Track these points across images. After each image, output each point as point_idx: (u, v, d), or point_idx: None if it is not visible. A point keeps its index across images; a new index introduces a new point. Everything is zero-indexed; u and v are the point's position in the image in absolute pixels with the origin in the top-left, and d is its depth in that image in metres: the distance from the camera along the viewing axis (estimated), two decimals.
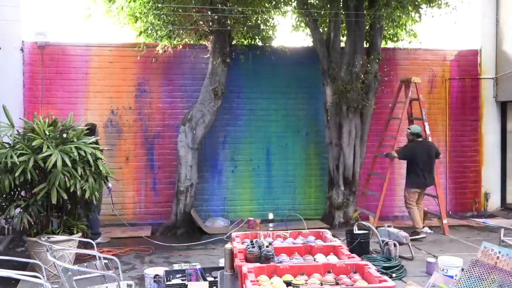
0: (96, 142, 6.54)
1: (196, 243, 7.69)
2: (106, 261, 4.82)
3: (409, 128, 8.25)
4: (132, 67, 9.12)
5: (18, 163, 5.59)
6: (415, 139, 8.08)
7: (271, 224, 9.01)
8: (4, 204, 6.06)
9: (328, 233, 4.16)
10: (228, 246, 3.91)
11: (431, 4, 8.63)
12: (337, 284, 3.10)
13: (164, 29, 8.25)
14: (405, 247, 6.67)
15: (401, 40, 9.89)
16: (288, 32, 9.53)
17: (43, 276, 3.64)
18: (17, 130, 6.12)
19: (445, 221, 8.25)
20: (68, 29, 9.44)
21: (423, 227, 8.09)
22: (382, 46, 9.37)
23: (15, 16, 8.73)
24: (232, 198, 9.47)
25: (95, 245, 5.08)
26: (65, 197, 5.88)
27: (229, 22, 8.32)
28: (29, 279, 3.34)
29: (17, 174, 5.57)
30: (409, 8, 8.65)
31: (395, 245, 6.40)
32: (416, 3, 8.63)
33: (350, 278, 3.18)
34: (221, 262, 5.36)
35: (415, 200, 8.02)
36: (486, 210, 9.97)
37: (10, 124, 6.06)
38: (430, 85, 10.08)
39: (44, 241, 4.99)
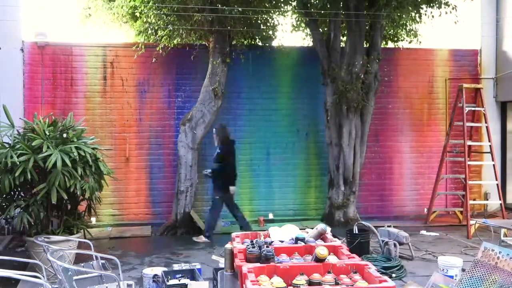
0: None
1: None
2: (103, 261, 4.81)
3: None
4: (132, 67, 9.12)
5: (18, 163, 5.60)
6: None
7: (270, 224, 9.00)
8: (4, 204, 6.06)
9: (328, 233, 4.15)
10: (228, 246, 3.90)
11: (431, 4, 8.63)
12: (337, 284, 3.10)
13: (164, 29, 8.25)
14: (405, 246, 6.67)
15: (401, 40, 9.89)
16: (288, 32, 9.53)
17: (43, 276, 3.64)
18: (17, 130, 6.13)
19: None
20: (68, 29, 9.45)
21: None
22: (382, 46, 9.37)
23: (15, 16, 8.73)
24: None
25: (91, 245, 5.05)
26: (65, 197, 5.88)
27: (229, 22, 8.31)
28: (29, 279, 3.34)
29: (17, 174, 5.58)
30: (409, 8, 8.65)
31: (395, 245, 6.40)
32: (416, 3, 8.62)
33: (350, 278, 3.18)
34: (221, 262, 5.37)
35: None
36: (486, 210, 9.97)
37: (10, 124, 6.06)
38: (430, 85, 10.09)
39: (41, 241, 4.97)
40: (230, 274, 3.84)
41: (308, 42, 9.70)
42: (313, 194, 9.68)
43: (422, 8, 8.80)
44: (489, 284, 3.73)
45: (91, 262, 4.75)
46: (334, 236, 4.27)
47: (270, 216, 9.34)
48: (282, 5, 9.11)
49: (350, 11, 8.57)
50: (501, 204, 8.70)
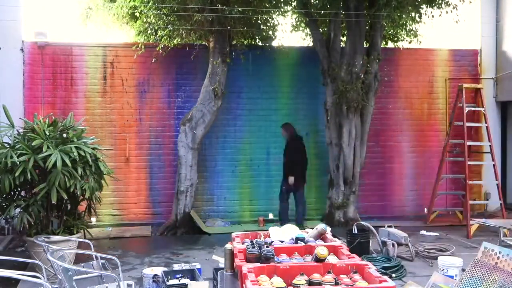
0: None
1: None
2: (103, 261, 4.81)
3: None
4: (132, 67, 9.12)
5: (18, 163, 5.60)
6: None
7: (270, 224, 8.99)
8: (4, 204, 6.06)
9: (328, 233, 4.15)
10: (228, 246, 3.90)
11: (431, 4, 8.63)
12: (337, 284, 3.10)
13: (164, 29, 8.25)
14: (405, 246, 6.67)
15: (401, 40, 9.88)
16: (288, 32, 9.52)
17: (43, 276, 3.64)
18: (17, 130, 6.13)
19: None
20: (68, 29, 9.45)
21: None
22: (382, 46, 9.36)
23: (15, 16, 8.73)
24: (232, 198, 9.46)
25: (91, 245, 5.05)
26: (65, 197, 5.89)
27: (229, 22, 8.30)
28: (29, 279, 3.34)
29: (17, 174, 5.58)
30: (409, 8, 8.64)
31: (393, 245, 6.40)
32: (416, 3, 8.62)
33: (350, 278, 3.18)
34: (221, 262, 5.36)
35: None
36: (486, 210, 9.96)
37: (10, 124, 6.06)
38: (430, 85, 10.09)
39: (41, 241, 4.97)
40: (230, 274, 3.84)
41: (308, 42, 9.70)
42: (313, 194, 9.67)
43: (422, 8, 8.79)
44: (489, 284, 3.73)
45: (91, 262, 4.75)
46: (334, 236, 4.27)
47: (270, 216, 9.34)
48: (282, 5, 9.11)
49: (350, 11, 8.57)
50: (501, 204, 8.70)
